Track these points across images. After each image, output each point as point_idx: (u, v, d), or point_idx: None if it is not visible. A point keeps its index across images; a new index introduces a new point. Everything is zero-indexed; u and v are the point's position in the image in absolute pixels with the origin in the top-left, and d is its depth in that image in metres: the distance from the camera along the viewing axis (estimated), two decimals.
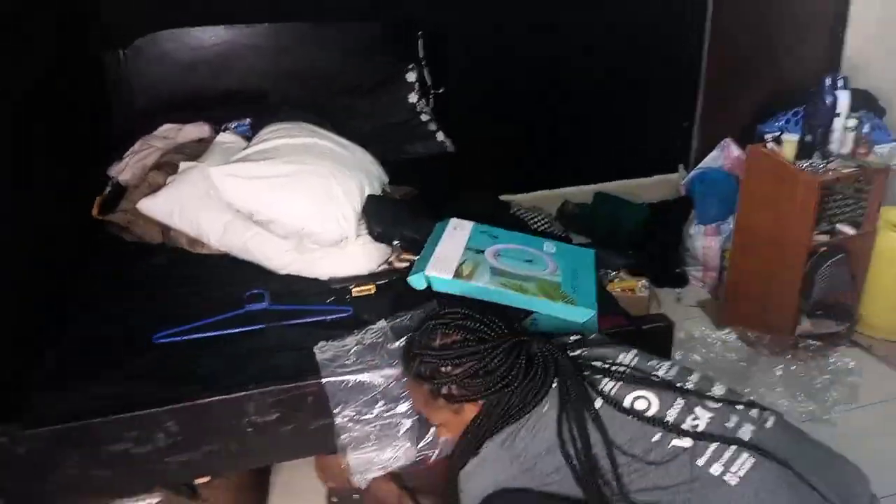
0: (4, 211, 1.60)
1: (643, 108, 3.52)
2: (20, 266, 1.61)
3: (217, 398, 1.24)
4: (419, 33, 2.98)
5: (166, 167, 2.01)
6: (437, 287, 1.46)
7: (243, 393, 1.25)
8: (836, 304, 2.32)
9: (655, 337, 1.47)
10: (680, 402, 1.08)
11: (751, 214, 2.29)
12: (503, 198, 3.18)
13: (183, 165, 1.90)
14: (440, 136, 2.90)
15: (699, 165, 2.97)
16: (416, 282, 1.47)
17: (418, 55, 3.01)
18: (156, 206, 1.82)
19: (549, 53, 3.28)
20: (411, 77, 2.94)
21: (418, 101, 2.94)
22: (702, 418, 1.05)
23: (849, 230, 2.19)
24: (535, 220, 3.05)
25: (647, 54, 3.43)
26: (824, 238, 2.17)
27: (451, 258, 1.51)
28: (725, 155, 2.89)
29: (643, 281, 2.47)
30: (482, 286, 1.43)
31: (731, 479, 0.99)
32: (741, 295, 2.39)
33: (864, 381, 2.13)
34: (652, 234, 2.94)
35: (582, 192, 3.47)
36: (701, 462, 1.01)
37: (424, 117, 2.93)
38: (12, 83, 1.75)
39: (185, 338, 1.48)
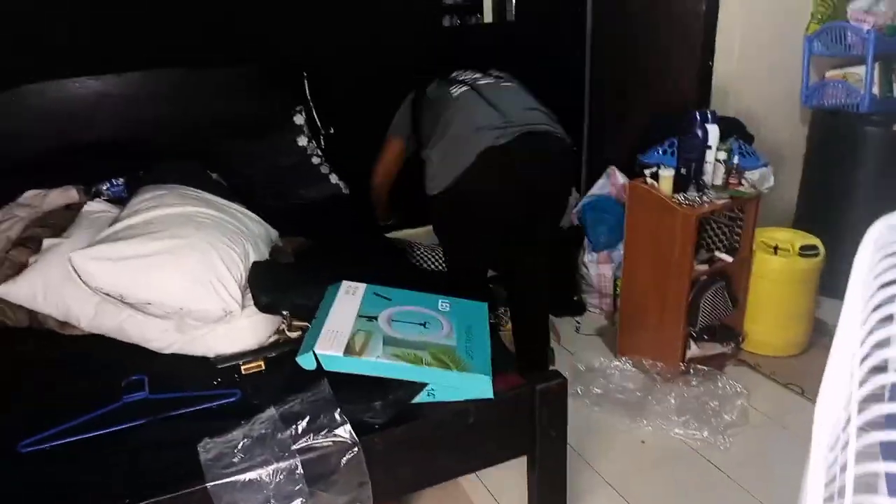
0: None
1: None
2: None
3: None
4: (304, 74, 2.93)
5: (30, 242, 1.86)
6: (327, 366, 1.41)
7: None
8: (721, 327, 2.44)
9: (550, 395, 1.48)
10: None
11: (636, 245, 2.37)
12: (402, 233, 3.18)
13: (46, 243, 1.76)
14: (333, 178, 2.85)
15: (588, 193, 3.06)
16: (306, 361, 1.42)
17: (305, 96, 2.95)
18: (17, 291, 1.68)
19: None
20: (299, 119, 2.88)
21: (308, 144, 2.88)
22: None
23: (726, 257, 2.30)
24: (420, 254, 3.03)
25: (533, 79, 3.50)
26: (704, 267, 2.27)
27: (341, 331, 1.47)
28: (612, 182, 2.99)
29: None
30: (375, 361, 1.40)
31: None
32: (633, 323, 2.47)
33: (753, 401, 2.25)
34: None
35: None
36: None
37: (316, 160, 2.87)
38: None
39: (55, 443, 1.36)
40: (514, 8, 3.42)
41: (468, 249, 2.22)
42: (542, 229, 2.28)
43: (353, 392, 1.38)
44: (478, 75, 2.35)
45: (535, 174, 2.08)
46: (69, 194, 2.16)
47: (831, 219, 2.70)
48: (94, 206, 1.93)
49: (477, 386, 1.41)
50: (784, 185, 2.87)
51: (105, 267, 1.55)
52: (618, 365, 2.38)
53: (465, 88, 2.25)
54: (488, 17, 3.51)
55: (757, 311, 2.46)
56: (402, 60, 3.19)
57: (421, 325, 1.55)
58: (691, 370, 2.31)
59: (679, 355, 2.33)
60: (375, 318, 1.54)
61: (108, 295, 1.57)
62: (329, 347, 1.41)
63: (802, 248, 2.45)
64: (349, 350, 1.41)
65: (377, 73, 3.15)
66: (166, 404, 1.47)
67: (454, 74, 2.38)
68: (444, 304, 1.66)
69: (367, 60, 3.12)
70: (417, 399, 1.40)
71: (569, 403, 1.53)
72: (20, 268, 1.77)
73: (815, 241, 2.49)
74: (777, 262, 2.40)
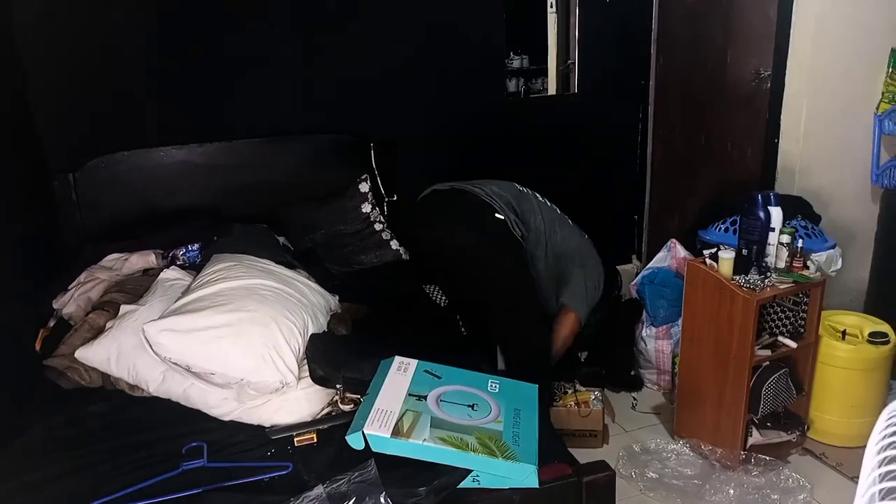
0: None
1: (596, 203, 3.61)
2: None
3: None
4: (371, 144, 3.05)
5: (108, 306, 1.99)
6: (375, 447, 1.44)
7: None
8: (786, 414, 2.35)
9: (597, 487, 1.47)
10: None
11: (694, 325, 2.33)
12: None
13: (123, 309, 1.88)
14: (394, 244, 2.94)
15: (648, 265, 3.03)
16: (355, 441, 1.46)
17: (372, 165, 3.07)
18: (93, 355, 1.80)
19: (499, 156, 3.38)
20: (364, 187, 2.99)
21: (371, 211, 2.98)
22: None
23: (790, 343, 2.23)
24: None
25: (597, 149, 3.55)
26: (767, 353, 2.20)
27: (390, 410, 1.50)
28: (672, 255, 2.96)
29: (596, 393, 2.47)
30: (422, 444, 1.42)
31: None
32: (692, 404, 2.40)
33: (816, 494, 2.14)
34: (605, 337, 2.96)
35: None
36: None
37: (378, 226, 2.97)
38: None
39: None
40: (577, 79, 3.50)
41: None
42: None
43: (398, 474, 1.40)
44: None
45: None
46: (148, 259, 2.31)
47: None
48: (170, 275, 2.05)
49: (522, 475, 1.41)
50: (855, 267, 2.78)
51: (174, 338, 1.65)
52: (675, 448, 2.31)
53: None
54: (552, 87, 3.59)
55: (823, 399, 2.36)
56: (467, 127, 3.30)
57: (469, 406, 1.57)
58: (752, 459, 2.22)
59: (740, 442, 2.24)
60: (425, 397, 1.57)
61: (175, 364, 1.67)
62: (377, 428, 1.45)
63: (871, 334, 2.35)
64: (397, 432, 1.44)
65: (441, 140, 3.26)
66: (223, 473, 1.53)
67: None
68: (493, 384, 1.68)
69: (432, 127, 3.23)
70: (462, 485, 1.41)
71: (622, 486, 1.50)
72: (98, 331, 1.90)
73: (886, 327, 2.38)
74: (844, 349, 2.31)
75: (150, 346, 1.65)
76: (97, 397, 1.86)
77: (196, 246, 2.43)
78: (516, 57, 3.54)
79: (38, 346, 2.08)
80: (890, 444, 0.48)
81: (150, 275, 2.20)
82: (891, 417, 0.50)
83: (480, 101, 3.30)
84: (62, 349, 1.91)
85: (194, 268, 2.19)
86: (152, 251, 2.37)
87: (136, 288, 2.07)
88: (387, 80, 3.09)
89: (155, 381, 1.75)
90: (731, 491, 2.10)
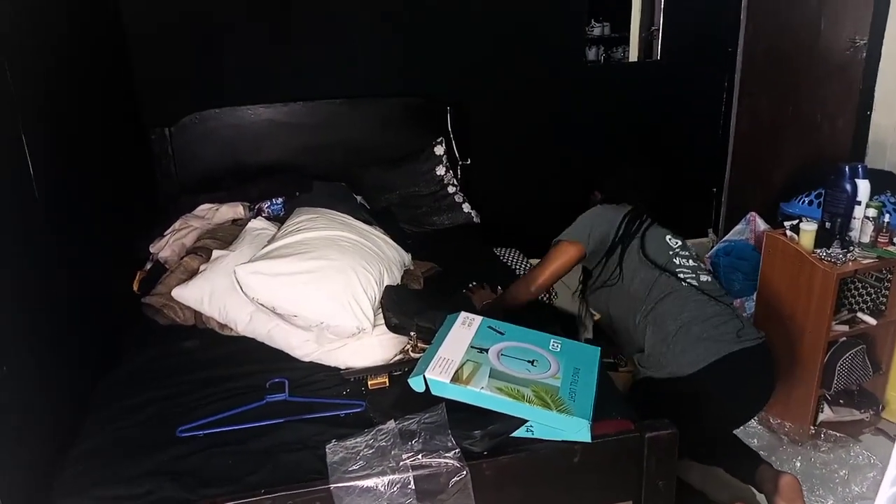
0: (56, 273, 1.72)
1: (673, 174, 3.55)
2: (64, 333, 1.73)
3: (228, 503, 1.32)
4: (448, 108, 3.10)
5: (201, 251, 2.14)
6: (434, 391, 1.50)
7: (252, 498, 1.32)
8: (860, 392, 2.29)
9: (659, 444, 1.49)
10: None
11: (770, 301, 2.29)
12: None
13: (215, 254, 2.02)
14: (466, 207, 2.99)
15: (724, 238, 2.97)
16: (416, 384, 1.53)
17: (447, 128, 3.12)
18: (188, 294, 1.94)
19: (576, 124, 3.36)
20: (439, 150, 3.05)
21: (446, 174, 3.04)
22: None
23: (870, 320, 2.17)
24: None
25: (677, 119, 3.48)
26: (844, 328, 2.15)
27: (452, 359, 1.56)
28: (751, 229, 2.89)
29: None
30: (479, 391, 1.48)
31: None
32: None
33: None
34: None
35: None
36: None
37: (451, 189, 3.03)
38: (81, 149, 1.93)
39: (207, 432, 1.57)
40: (660, 46, 3.42)
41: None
42: None
43: (458, 417, 1.47)
44: (692, 264, 2.11)
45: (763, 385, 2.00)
46: (237, 210, 2.45)
47: None
48: (257, 224, 2.18)
49: (575, 428, 1.45)
50: None
51: (263, 281, 1.76)
52: None
53: (690, 282, 2.04)
54: (633, 55, 3.53)
55: None
56: (544, 95, 3.29)
57: (529, 362, 1.61)
58: (822, 434, 2.18)
59: (810, 418, 2.21)
60: (486, 350, 1.62)
61: (262, 305, 1.79)
62: (439, 374, 1.51)
63: None
64: (456, 378, 1.50)
65: (517, 105, 3.27)
66: (302, 407, 1.64)
67: (665, 241, 2.15)
68: (555, 343, 1.71)
69: (509, 94, 3.24)
70: (517, 434, 1.46)
71: None
72: (192, 274, 2.04)
73: None
74: None
75: (241, 286, 1.77)
76: (190, 334, 2.01)
77: (280, 200, 2.55)
78: (597, 24, 3.49)
79: (135, 287, 2.25)
80: None
81: (238, 224, 2.34)
82: None
83: (559, 69, 3.28)
84: (159, 288, 2.06)
85: (278, 220, 2.31)
86: (240, 203, 2.50)
87: (227, 235, 2.21)
88: (466, 45, 3.12)
89: (243, 321, 1.88)
90: (798, 464, 2.08)
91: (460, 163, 3.14)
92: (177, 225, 2.40)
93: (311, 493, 1.35)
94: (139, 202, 2.72)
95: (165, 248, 2.33)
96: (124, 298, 2.21)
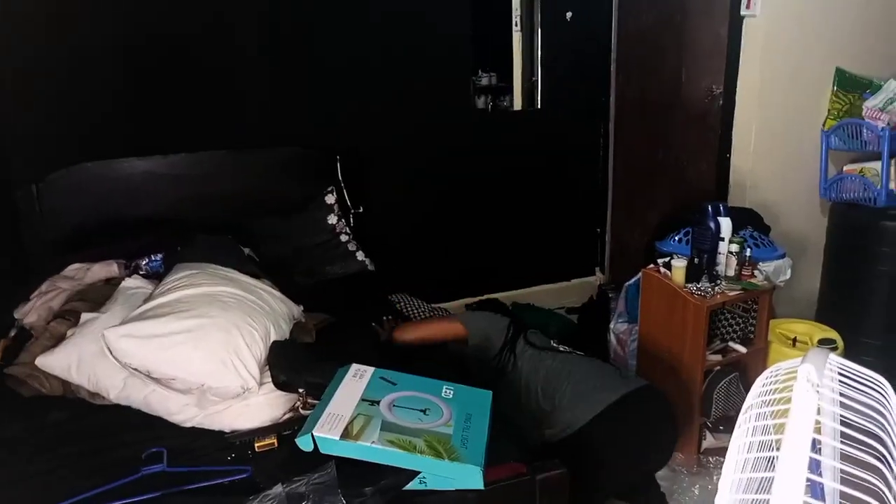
0: None
1: (559, 217, 3.71)
2: None
3: None
4: (337, 157, 3.09)
5: (69, 315, 2.00)
6: (323, 449, 1.46)
7: None
8: (737, 417, 2.42)
9: (550, 485, 1.51)
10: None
11: (649, 335, 2.40)
12: None
13: (84, 317, 1.89)
14: (360, 255, 2.97)
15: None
16: (304, 443, 1.48)
17: (338, 177, 3.11)
18: (54, 362, 1.80)
19: (467, 171, 3.45)
20: (330, 199, 3.03)
21: (338, 222, 3.01)
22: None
23: (741, 348, 2.32)
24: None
25: (561, 163, 3.65)
26: (718, 358, 2.28)
27: (342, 414, 1.53)
28: None
29: None
30: (369, 446, 1.45)
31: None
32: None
33: None
34: (581, 332, 3.03)
35: (505, 298, 3.59)
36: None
37: (344, 237, 3.00)
38: None
39: None
40: (540, 96, 3.59)
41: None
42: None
43: (350, 473, 1.43)
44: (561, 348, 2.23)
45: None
46: (110, 269, 2.31)
47: (851, 311, 2.69)
48: (131, 283, 2.07)
49: (467, 475, 1.45)
50: (806, 277, 2.89)
51: (135, 344, 1.66)
52: None
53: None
54: (518, 103, 3.68)
55: None
56: (435, 142, 3.36)
57: (422, 411, 1.60)
58: (709, 461, 2.29)
59: (695, 446, 2.31)
60: (378, 402, 1.60)
61: (136, 370, 1.68)
62: (327, 431, 1.47)
63: (821, 341, 2.45)
64: (346, 434, 1.47)
65: (409, 152, 3.32)
66: (182, 477, 1.54)
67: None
68: (447, 390, 1.71)
69: (400, 141, 3.28)
70: (409, 486, 1.44)
71: None
72: (58, 339, 1.90)
73: (834, 334, 2.48)
74: (794, 355, 2.39)
75: (111, 351, 1.66)
76: (57, 405, 1.85)
77: (159, 256, 2.43)
78: (485, 74, 3.62)
79: None
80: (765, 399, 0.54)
81: (112, 284, 2.21)
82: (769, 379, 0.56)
83: (450, 116, 3.36)
84: (23, 357, 1.90)
85: (157, 277, 2.19)
86: (114, 261, 2.37)
87: (98, 297, 2.08)
88: (355, 93, 3.14)
89: (116, 387, 1.76)
90: (697, 492, 2.16)
91: (352, 210, 3.13)
92: (44, 287, 2.24)
93: None
94: (2, 264, 2.52)
95: (31, 312, 2.16)
96: None
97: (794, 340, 2.49)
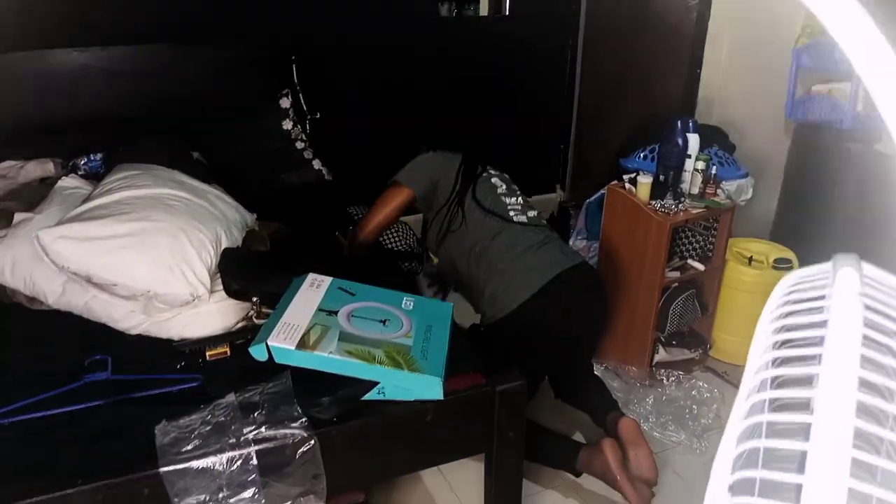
0: None
1: (521, 131, 3.61)
2: None
3: (36, 499, 1.15)
4: (293, 57, 2.91)
5: (1, 215, 1.86)
6: (279, 359, 1.41)
7: (67, 491, 1.16)
8: (690, 333, 2.47)
9: (509, 396, 1.50)
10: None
11: (611, 250, 2.39)
12: None
13: (17, 217, 1.75)
14: (317, 163, 2.85)
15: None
16: (258, 352, 1.42)
17: (293, 80, 2.94)
18: None
19: (429, 79, 3.30)
20: (285, 103, 2.87)
21: (293, 128, 2.87)
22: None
23: (699, 266, 2.33)
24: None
25: (526, 76, 3.52)
26: (676, 274, 2.29)
27: (298, 324, 1.47)
28: None
29: None
30: (326, 356, 1.41)
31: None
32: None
33: (724, 406, 2.28)
34: None
35: None
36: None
37: (300, 145, 2.86)
38: None
39: (12, 420, 1.37)
40: (508, 2, 3.42)
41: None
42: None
43: (306, 386, 1.39)
44: (514, 205, 2.18)
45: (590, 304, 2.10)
46: (46, 167, 2.15)
47: (808, 233, 2.72)
48: (68, 182, 1.92)
49: (427, 386, 1.42)
50: (765, 197, 2.89)
51: (72, 246, 1.55)
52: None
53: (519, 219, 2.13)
54: (484, 10, 3.50)
55: (727, 321, 2.49)
56: (396, 49, 3.19)
57: (381, 322, 1.56)
58: (661, 374, 2.34)
59: (647, 359, 2.35)
60: (336, 312, 1.55)
61: (75, 274, 1.58)
62: (283, 340, 1.42)
63: (776, 260, 2.48)
64: (302, 344, 1.42)
65: (369, 58, 3.15)
66: (127, 386, 1.48)
67: (491, 183, 2.21)
68: (408, 301, 1.67)
69: (360, 46, 3.11)
70: (368, 397, 1.41)
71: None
72: None
73: (790, 254, 2.51)
74: (750, 274, 2.43)
75: (46, 253, 1.55)
76: None
77: (99, 155, 2.28)
78: None
79: None
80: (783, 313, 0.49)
81: (47, 184, 2.06)
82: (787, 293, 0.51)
83: (412, 23, 3.19)
84: None
85: (96, 178, 2.05)
86: (51, 159, 2.21)
87: (32, 197, 1.93)
88: None
89: (54, 293, 1.65)
90: (651, 401, 2.22)
91: (309, 116, 2.97)
92: None
93: (138, 480, 1.22)
94: None
95: None
96: None
97: (750, 259, 2.51)
